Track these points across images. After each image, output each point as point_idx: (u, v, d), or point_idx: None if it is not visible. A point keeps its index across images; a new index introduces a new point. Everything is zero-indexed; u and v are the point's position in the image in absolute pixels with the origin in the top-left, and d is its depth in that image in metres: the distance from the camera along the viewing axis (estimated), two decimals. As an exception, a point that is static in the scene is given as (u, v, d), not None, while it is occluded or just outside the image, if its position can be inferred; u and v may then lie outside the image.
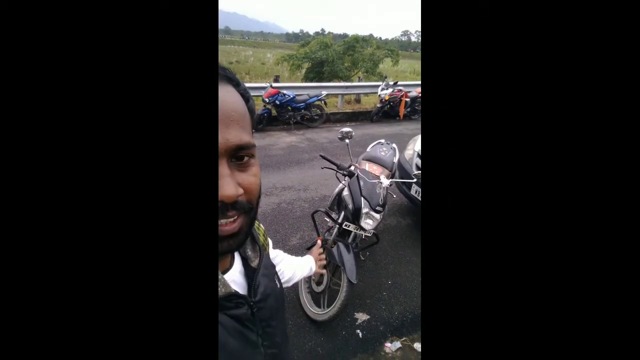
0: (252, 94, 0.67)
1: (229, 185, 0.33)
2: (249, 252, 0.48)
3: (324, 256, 1.00)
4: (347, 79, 8.80)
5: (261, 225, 0.59)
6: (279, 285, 0.53)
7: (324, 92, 6.29)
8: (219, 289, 0.39)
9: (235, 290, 0.41)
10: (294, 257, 0.87)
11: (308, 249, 1.87)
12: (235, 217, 0.36)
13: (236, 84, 0.37)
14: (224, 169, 0.33)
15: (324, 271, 1.06)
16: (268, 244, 0.61)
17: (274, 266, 0.55)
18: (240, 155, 0.35)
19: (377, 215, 1.81)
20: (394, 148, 2.63)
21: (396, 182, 2.09)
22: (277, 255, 0.77)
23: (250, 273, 0.46)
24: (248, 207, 0.36)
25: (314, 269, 0.94)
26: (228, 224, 0.35)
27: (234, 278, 0.44)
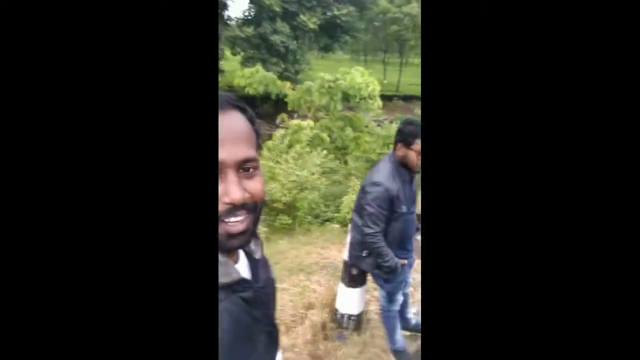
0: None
1: (237, 190, 0.42)
2: (252, 246, 0.56)
3: None
4: None
5: None
6: (272, 276, 0.63)
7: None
8: (233, 275, 0.48)
9: (244, 277, 0.50)
10: None
11: None
12: (243, 218, 0.44)
13: (243, 111, 0.46)
14: (233, 177, 0.42)
15: None
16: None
17: (267, 260, 0.63)
18: (246, 167, 0.44)
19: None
20: None
21: None
22: None
23: (253, 264, 0.56)
24: (253, 208, 0.45)
25: None
26: (237, 224, 0.43)
27: (241, 268, 0.53)
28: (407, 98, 20.21)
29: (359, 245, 1.56)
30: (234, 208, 0.42)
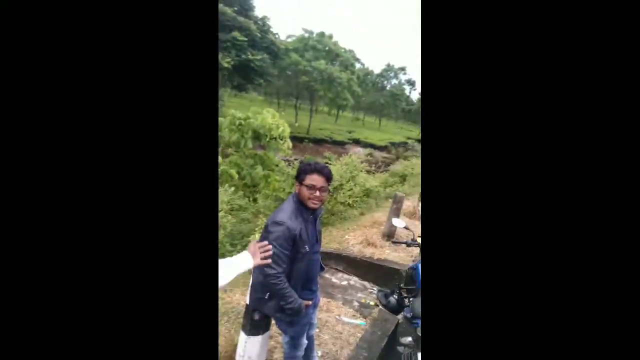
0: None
1: None
2: None
3: (264, 244, 1.14)
4: None
5: None
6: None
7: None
8: None
9: None
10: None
11: None
12: None
13: None
14: None
15: (268, 261, 1.21)
16: None
17: None
18: None
19: None
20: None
21: None
22: None
23: None
24: None
25: (252, 262, 1.10)
26: None
27: None
28: (317, 141, 22.02)
29: (261, 287, 1.47)
30: None
